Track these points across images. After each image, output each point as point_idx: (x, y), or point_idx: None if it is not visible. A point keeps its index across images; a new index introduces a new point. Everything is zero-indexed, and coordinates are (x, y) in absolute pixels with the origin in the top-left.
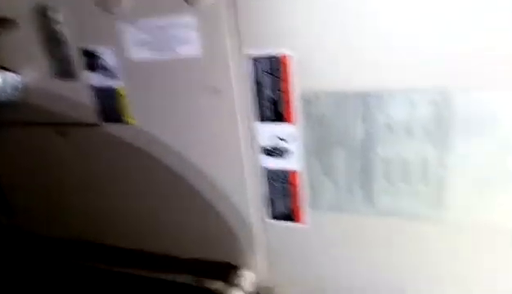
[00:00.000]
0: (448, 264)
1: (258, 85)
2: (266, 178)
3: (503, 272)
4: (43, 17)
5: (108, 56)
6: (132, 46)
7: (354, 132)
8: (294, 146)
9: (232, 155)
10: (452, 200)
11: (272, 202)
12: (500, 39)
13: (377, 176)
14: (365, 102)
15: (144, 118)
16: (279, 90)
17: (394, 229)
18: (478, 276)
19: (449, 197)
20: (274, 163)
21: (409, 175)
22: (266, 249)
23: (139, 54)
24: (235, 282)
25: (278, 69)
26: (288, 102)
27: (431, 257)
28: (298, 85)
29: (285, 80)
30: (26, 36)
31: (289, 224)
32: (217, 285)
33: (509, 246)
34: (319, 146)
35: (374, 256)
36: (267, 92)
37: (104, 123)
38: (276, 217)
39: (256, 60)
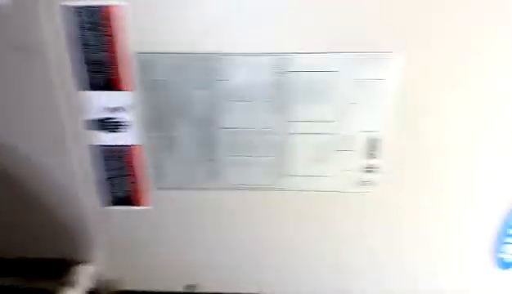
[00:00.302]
0: (293, 232)
1: (82, 44)
2: (99, 157)
3: (345, 239)
4: None
5: None
6: None
7: (196, 101)
8: (130, 118)
9: (53, 133)
10: (295, 168)
11: (109, 185)
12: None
13: (222, 148)
14: (205, 67)
15: None
16: (106, 50)
17: (242, 202)
18: (322, 242)
19: (292, 165)
20: (107, 139)
21: (253, 145)
22: (106, 239)
23: None
24: (70, 279)
25: (104, 24)
26: (119, 65)
27: (276, 226)
28: (130, 44)
29: (113, 37)
30: None
31: (130, 208)
32: (50, 284)
33: (347, 212)
34: (159, 117)
35: (226, 232)
36: (93, 53)
37: None
38: (115, 202)
39: (76, 12)
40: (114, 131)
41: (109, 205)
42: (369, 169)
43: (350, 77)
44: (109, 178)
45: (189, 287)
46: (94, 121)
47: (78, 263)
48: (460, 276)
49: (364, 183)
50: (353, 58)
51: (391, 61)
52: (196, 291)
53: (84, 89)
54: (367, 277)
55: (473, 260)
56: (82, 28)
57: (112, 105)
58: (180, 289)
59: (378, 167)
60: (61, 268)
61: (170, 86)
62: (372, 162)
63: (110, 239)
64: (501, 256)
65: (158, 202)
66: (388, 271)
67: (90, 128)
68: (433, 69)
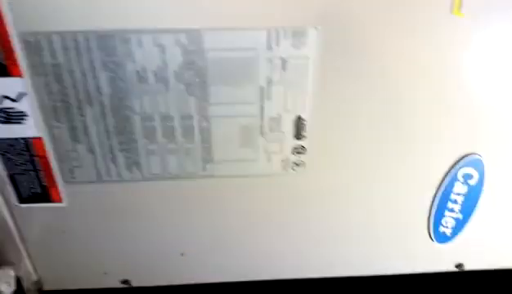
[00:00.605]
0: (221, 220)
1: None
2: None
3: (277, 224)
4: None
5: None
6: None
7: (103, 85)
8: (27, 106)
9: None
10: (220, 154)
11: (16, 181)
12: None
13: (138, 136)
14: (107, 46)
15: None
16: None
17: (166, 192)
18: (252, 228)
19: (216, 151)
20: (7, 131)
21: (172, 132)
22: (21, 239)
23: None
24: None
25: None
26: (5, 48)
27: (204, 215)
28: (16, 22)
29: None
30: None
31: (44, 205)
32: None
33: (278, 195)
34: (60, 105)
35: (150, 225)
36: None
37: None
38: (25, 200)
39: None
40: (9, 123)
41: (20, 203)
42: (297, 151)
43: (269, 55)
44: (14, 174)
45: (124, 281)
46: None
47: None
48: (400, 253)
49: (293, 165)
50: (270, 34)
51: (311, 37)
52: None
53: None
54: (301, 261)
55: (412, 235)
56: None
57: (6, 93)
58: (116, 285)
59: (306, 148)
60: None
61: (67, 70)
62: (300, 143)
63: (29, 239)
64: (441, 229)
65: (73, 197)
66: (323, 254)
67: None
68: (352, 44)
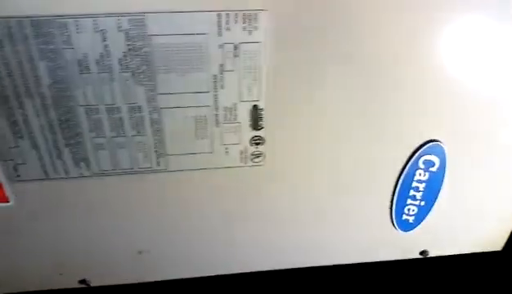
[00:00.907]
0: (179, 215)
1: None
2: None
3: (239, 216)
4: None
5: None
6: None
7: (43, 75)
8: None
9: None
10: (174, 147)
11: None
12: None
13: (84, 130)
14: (44, 33)
15: None
16: None
17: (118, 188)
18: (213, 221)
19: (170, 144)
20: None
21: (121, 125)
22: None
23: None
24: None
25: None
26: None
27: (160, 211)
28: None
29: None
30: None
31: None
32: None
33: (238, 187)
34: None
35: (103, 223)
36: None
37: None
38: None
39: None
40: None
41: None
42: (256, 141)
43: (220, 41)
44: None
45: (82, 281)
46: None
47: None
48: (364, 242)
49: (252, 157)
50: (220, 18)
51: (263, 21)
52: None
53: None
54: (263, 253)
55: (375, 224)
56: None
57: None
58: (75, 285)
59: (265, 139)
60: None
61: (2, 60)
62: (258, 133)
63: None
64: (404, 217)
65: (20, 196)
66: (286, 245)
67: None
68: (305, 28)
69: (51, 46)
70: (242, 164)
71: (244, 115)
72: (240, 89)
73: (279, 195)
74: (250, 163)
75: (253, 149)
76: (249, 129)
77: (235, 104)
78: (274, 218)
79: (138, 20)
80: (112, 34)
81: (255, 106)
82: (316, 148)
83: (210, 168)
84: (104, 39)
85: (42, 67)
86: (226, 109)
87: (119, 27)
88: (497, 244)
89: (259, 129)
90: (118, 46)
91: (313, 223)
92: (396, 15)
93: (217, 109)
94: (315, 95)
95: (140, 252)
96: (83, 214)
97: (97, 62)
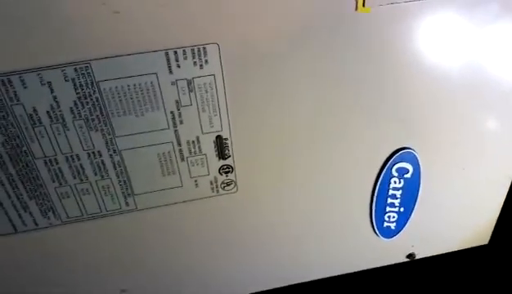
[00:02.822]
0: (154, 252)
1: None
2: None
3: (215, 245)
4: None
5: None
6: None
7: None
8: None
9: None
10: (141, 186)
11: None
12: None
13: (46, 181)
14: None
15: None
16: None
17: (91, 233)
18: (189, 255)
19: (136, 183)
20: None
21: (83, 171)
22: None
23: None
24: None
25: None
26: None
27: (134, 251)
28: None
29: None
30: None
31: None
32: None
33: (210, 217)
34: None
35: (81, 268)
36: None
37: None
38: None
39: None
40: None
41: None
42: (224, 170)
43: (171, 78)
44: None
45: None
46: None
47: None
48: (349, 253)
49: (223, 184)
50: (168, 56)
51: (213, 54)
52: None
53: None
54: (248, 275)
55: (358, 235)
56: None
57: None
58: None
59: (234, 167)
60: None
61: None
62: (226, 162)
63: None
64: (385, 225)
65: None
66: (267, 266)
67: None
68: (252, 56)
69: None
70: (214, 194)
71: (208, 146)
72: (201, 122)
73: (256, 219)
74: (222, 192)
75: (223, 177)
76: (216, 159)
77: (197, 137)
78: (254, 241)
79: (83, 67)
80: (59, 85)
81: (219, 136)
82: (287, 168)
83: (182, 202)
84: (52, 91)
85: None
86: (189, 142)
87: (66, 77)
88: (483, 239)
89: (226, 158)
90: (67, 95)
91: (294, 241)
92: None
93: (179, 144)
94: (279, 118)
95: (123, 291)
96: (59, 262)
97: (48, 114)
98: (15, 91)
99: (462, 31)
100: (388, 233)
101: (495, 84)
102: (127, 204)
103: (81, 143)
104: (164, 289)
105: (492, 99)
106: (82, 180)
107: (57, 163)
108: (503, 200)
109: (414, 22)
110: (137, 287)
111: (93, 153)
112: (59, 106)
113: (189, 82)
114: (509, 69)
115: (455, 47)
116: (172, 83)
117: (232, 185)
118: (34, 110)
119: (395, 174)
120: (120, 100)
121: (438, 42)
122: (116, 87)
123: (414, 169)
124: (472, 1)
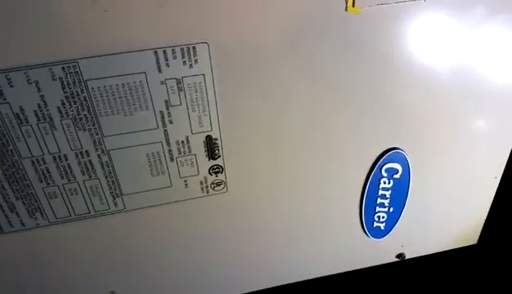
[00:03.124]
0: (145, 253)
1: None
2: None
3: (205, 245)
4: None
5: None
6: None
7: None
8: None
9: None
10: (130, 186)
11: None
12: None
13: (33, 181)
14: None
15: None
16: None
17: (80, 234)
18: (182, 256)
19: (125, 184)
20: None
21: (70, 171)
22: None
23: None
24: None
25: None
26: None
27: (124, 253)
28: None
29: None
30: None
31: None
32: None
33: (202, 218)
34: None
35: (69, 269)
36: None
37: None
38: None
39: None
40: None
41: None
42: (214, 170)
43: (161, 77)
44: None
45: None
46: None
47: None
48: (339, 254)
49: (213, 185)
50: (157, 55)
51: (202, 53)
52: None
53: None
54: (241, 275)
55: (348, 235)
56: None
57: None
58: None
59: (223, 167)
60: None
61: None
62: (216, 162)
63: None
64: (375, 225)
65: None
66: (259, 266)
67: None
68: (242, 55)
69: None
70: (204, 194)
71: (198, 147)
72: (191, 122)
73: (246, 219)
74: (213, 192)
75: (213, 178)
76: (206, 159)
77: (187, 137)
78: (244, 242)
79: (71, 66)
80: (47, 84)
81: (208, 137)
82: (277, 168)
83: (172, 202)
84: (39, 90)
85: None
86: (178, 142)
87: (53, 76)
88: (472, 238)
89: (216, 158)
90: (54, 94)
91: (284, 241)
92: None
93: (169, 144)
94: (269, 119)
95: (112, 292)
96: (47, 263)
97: (36, 113)
98: (1, 90)
99: (452, 32)
100: (378, 234)
101: (484, 85)
102: (115, 205)
103: (69, 142)
104: (154, 290)
105: (481, 100)
106: (69, 180)
107: (45, 163)
108: (491, 200)
109: (403, 23)
110: (127, 289)
111: (81, 152)
112: (46, 105)
113: (178, 82)
114: (497, 70)
115: (444, 48)
116: (162, 83)
117: (222, 186)
118: (21, 109)
119: (384, 174)
120: (108, 100)
121: (428, 42)
122: (104, 86)
123: (403, 169)
124: (462, 2)
